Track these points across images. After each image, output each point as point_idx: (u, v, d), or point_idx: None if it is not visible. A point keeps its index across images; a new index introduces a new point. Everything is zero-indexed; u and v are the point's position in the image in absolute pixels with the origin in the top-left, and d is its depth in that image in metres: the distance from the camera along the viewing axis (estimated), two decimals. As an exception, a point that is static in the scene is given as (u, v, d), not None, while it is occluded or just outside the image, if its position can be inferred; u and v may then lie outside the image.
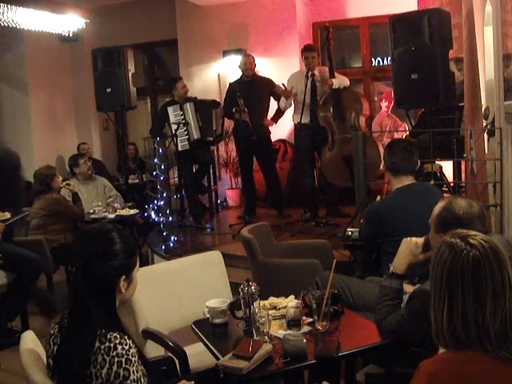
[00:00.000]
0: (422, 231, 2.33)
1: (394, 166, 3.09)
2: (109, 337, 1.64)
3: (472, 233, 1.51)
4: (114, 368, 1.61)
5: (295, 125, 6.06)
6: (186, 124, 6.06)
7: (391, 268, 2.34)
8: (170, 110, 6.23)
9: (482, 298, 1.40)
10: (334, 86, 5.79)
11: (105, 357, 1.61)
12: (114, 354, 1.62)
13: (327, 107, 5.86)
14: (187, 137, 6.11)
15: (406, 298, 2.29)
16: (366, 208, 3.38)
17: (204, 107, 6.21)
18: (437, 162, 4.61)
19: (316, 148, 6.02)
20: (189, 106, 6.13)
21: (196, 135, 6.09)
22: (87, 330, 1.66)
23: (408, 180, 3.09)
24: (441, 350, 1.48)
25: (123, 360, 1.62)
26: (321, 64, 6.31)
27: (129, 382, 1.61)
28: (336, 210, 6.03)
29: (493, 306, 1.40)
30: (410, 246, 2.33)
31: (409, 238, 2.35)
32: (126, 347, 1.64)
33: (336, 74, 5.89)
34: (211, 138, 6.24)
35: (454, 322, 1.42)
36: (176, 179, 6.57)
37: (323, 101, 5.90)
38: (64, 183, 5.26)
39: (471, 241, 1.46)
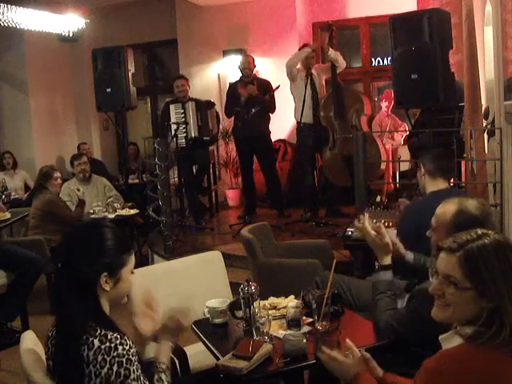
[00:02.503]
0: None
1: (432, 170, 3.11)
2: (109, 337, 1.65)
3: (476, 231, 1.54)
4: (115, 368, 1.62)
5: (298, 124, 6.05)
6: (186, 124, 6.07)
7: (376, 264, 2.34)
8: (171, 107, 6.23)
9: None
10: (329, 53, 5.78)
11: (105, 357, 1.62)
12: (115, 354, 1.63)
13: (329, 107, 5.86)
14: (185, 134, 6.12)
15: (405, 298, 2.29)
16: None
17: (202, 107, 6.22)
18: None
19: (317, 147, 6.02)
20: (190, 105, 6.13)
21: (194, 133, 6.10)
22: (70, 327, 1.67)
23: (442, 185, 3.09)
24: (452, 345, 1.49)
25: (124, 360, 1.63)
26: (320, 62, 6.31)
27: (129, 381, 1.64)
28: (336, 210, 6.03)
29: None
30: (368, 237, 2.34)
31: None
32: (127, 347, 1.65)
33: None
34: (208, 138, 6.24)
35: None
36: (176, 179, 6.57)
37: (325, 100, 5.90)
38: (75, 189, 5.22)
39: (492, 233, 1.52)
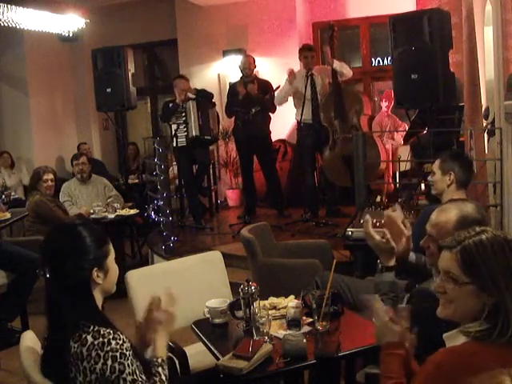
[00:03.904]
0: None
1: (463, 180, 3.05)
2: (102, 332, 1.66)
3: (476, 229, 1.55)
4: (109, 362, 1.63)
5: (298, 123, 6.05)
6: (186, 123, 6.06)
7: (379, 264, 2.33)
8: (171, 106, 6.19)
9: None
10: (334, 66, 5.76)
11: (99, 352, 1.63)
12: (108, 348, 1.64)
13: (329, 107, 5.86)
14: (185, 133, 6.10)
15: (405, 298, 2.28)
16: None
17: (203, 106, 6.19)
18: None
19: (318, 147, 6.02)
20: (191, 104, 6.09)
21: (195, 132, 6.08)
22: (61, 328, 1.69)
23: (462, 196, 2.99)
24: (457, 342, 1.49)
25: (118, 354, 1.64)
26: (320, 63, 6.30)
27: (124, 375, 1.64)
28: (336, 210, 6.03)
29: None
30: (372, 242, 2.32)
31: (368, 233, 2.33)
32: (120, 342, 1.67)
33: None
34: (209, 137, 6.22)
35: None
36: (176, 179, 6.57)
37: (325, 100, 5.89)
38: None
39: (490, 229, 1.53)
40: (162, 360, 1.83)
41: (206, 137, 6.14)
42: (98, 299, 1.80)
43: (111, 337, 1.65)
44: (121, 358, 1.64)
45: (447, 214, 2.11)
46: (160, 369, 1.80)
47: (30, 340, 1.93)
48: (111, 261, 1.85)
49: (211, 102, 6.36)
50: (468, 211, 2.10)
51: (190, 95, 6.11)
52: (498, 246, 1.48)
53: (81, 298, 1.73)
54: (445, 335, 1.58)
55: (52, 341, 1.73)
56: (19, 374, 1.92)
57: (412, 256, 2.45)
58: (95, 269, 1.77)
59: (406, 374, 1.64)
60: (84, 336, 1.65)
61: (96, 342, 1.64)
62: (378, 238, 2.29)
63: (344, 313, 2.44)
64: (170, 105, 6.19)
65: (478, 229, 1.54)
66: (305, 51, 5.92)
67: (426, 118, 4.70)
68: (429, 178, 3.24)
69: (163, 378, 1.79)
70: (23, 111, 7.78)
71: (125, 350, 1.66)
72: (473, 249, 1.49)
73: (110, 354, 1.63)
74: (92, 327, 1.67)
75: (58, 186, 5.51)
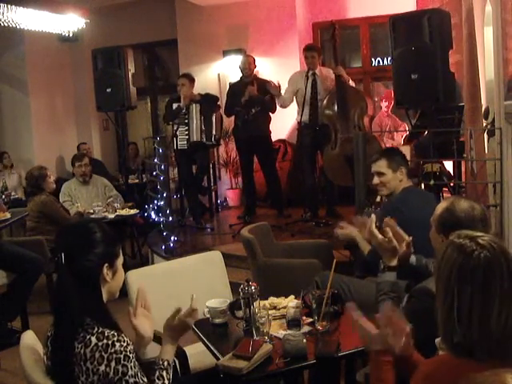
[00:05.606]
0: (426, 228, 2.32)
1: (408, 170, 3.33)
2: (106, 334, 1.67)
3: (479, 234, 1.48)
4: (113, 364, 1.64)
5: (298, 123, 6.04)
6: (188, 126, 6.03)
7: (381, 264, 2.34)
8: (174, 106, 6.15)
9: (489, 300, 1.37)
10: (339, 73, 5.78)
11: (102, 353, 1.64)
12: (113, 350, 1.64)
13: (332, 105, 5.82)
14: (187, 137, 6.08)
15: (405, 298, 2.29)
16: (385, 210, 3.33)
17: (207, 111, 6.12)
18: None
19: (317, 147, 6.01)
20: (194, 108, 6.05)
21: (196, 137, 6.04)
22: (70, 321, 1.69)
23: (410, 182, 3.33)
24: (441, 352, 1.48)
25: (122, 356, 1.65)
26: (321, 64, 6.29)
27: (127, 377, 1.65)
28: (336, 210, 6.02)
29: (499, 310, 1.36)
30: (375, 240, 2.33)
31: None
32: (124, 344, 1.67)
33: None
34: (210, 143, 6.20)
35: (461, 323, 1.38)
36: (176, 179, 6.57)
37: (328, 98, 5.86)
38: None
39: (481, 241, 1.42)
40: (168, 364, 1.84)
41: (207, 142, 6.12)
42: (104, 299, 1.82)
43: (115, 339, 1.66)
44: (124, 360, 1.65)
45: (442, 203, 2.23)
46: (164, 372, 1.81)
47: (30, 340, 1.94)
48: (120, 263, 1.88)
49: (216, 105, 6.33)
50: (455, 207, 2.16)
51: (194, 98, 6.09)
52: (472, 264, 1.40)
53: (90, 292, 1.75)
54: (437, 340, 1.58)
55: (56, 339, 1.73)
56: (19, 374, 1.93)
57: (412, 258, 2.47)
58: (106, 265, 1.80)
59: (408, 368, 1.64)
60: (88, 337, 1.66)
61: (100, 344, 1.64)
62: (380, 236, 2.30)
63: (344, 313, 2.44)
64: (175, 105, 6.15)
65: (486, 237, 1.46)
66: (305, 51, 5.92)
67: (427, 121, 4.69)
68: (375, 181, 3.30)
69: (166, 382, 1.80)
70: (23, 111, 7.79)
71: (128, 353, 1.67)
72: (449, 249, 1.46)
73: (114, 356, 1.64)
74: (96, 328, 1.67)
75: (59, 186, 5.52)
